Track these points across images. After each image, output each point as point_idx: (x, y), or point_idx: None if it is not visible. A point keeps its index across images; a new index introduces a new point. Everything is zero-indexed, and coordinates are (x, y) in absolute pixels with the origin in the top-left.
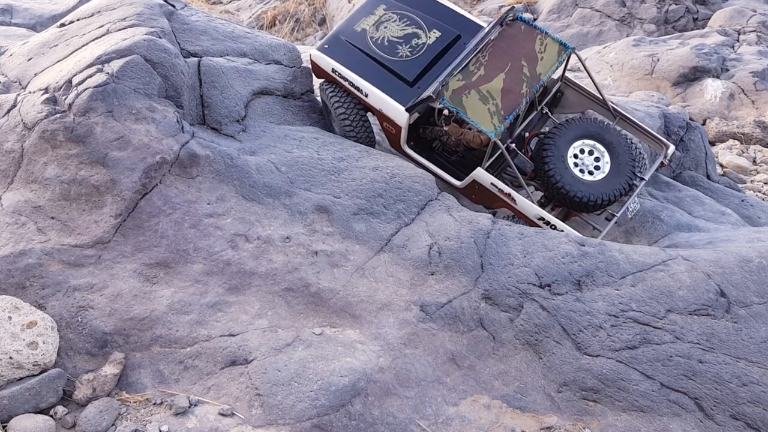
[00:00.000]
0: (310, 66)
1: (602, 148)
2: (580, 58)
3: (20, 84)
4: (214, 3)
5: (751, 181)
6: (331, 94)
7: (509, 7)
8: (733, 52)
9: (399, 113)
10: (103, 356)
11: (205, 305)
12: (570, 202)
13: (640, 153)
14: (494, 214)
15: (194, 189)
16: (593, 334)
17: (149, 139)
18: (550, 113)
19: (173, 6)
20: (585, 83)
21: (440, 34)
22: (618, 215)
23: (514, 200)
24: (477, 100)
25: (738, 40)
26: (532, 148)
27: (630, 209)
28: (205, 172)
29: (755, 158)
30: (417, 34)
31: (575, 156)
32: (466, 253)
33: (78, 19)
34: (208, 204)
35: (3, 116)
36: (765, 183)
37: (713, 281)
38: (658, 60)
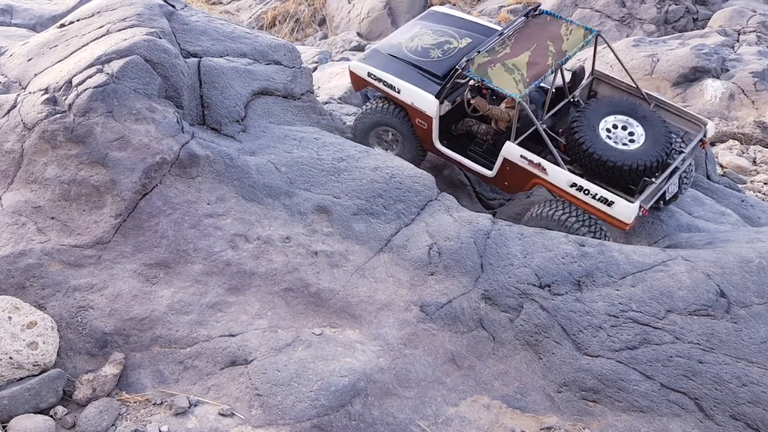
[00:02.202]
0: (350, 81)
1: (635, 122)
2: (606, 41)
3: (20, 84)
4: (213, 3)
5: (751, 182)
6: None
7: (536, 4)
8: (733, 52)
9: (429, 102)
10: (103, 356)
11: (205, 305)
12: (605, 169)
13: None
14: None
15: (194, 189)
16: (593, 335)
17: (149, 140)
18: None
19: (173, 6)
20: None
21: (471, 40)
22: (657, 181)
23: (545, 170)
24: (503, 71)
25: (738, 41)
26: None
27: (669, 191)
28: (205, 172)
29: (755, 158)
30: (449, 41)
31: (608, 131)
32: (466, 254)
33: (78, 20)
34: (208, 204)
35: (3, 116)
36: (765, 183)
37: (713, 281)
38: (658, 60)
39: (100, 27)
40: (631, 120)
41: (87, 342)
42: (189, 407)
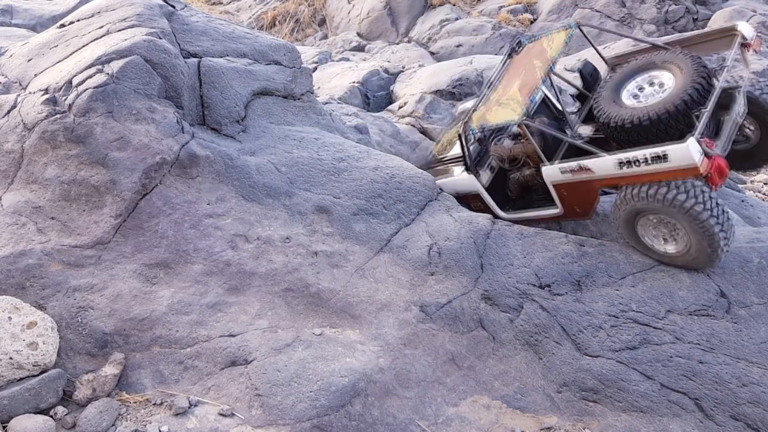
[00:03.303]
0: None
1: (658, 72)
2: (581, 30)
3: (20, 84)
4: (213, 3)
5: (751, 181)
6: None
7: (517, 41)
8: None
9: (466, 181)
10: (103, 356)
11: (205, 305)
12: (645, 132)
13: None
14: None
15: (194, 189)
16: (593, 335)
17: (149, 140)
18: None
19: (173, 6)
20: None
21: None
22: (707, 108)
23: (589, 168)
24: (499, 109)
25: None
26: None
27: (737, 112)
28: (204, 172)
29: None
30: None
31: (635, 96)
32: (465, 254)
33: (78, 20)
34: (208, 204)
35: (3, 117)
36: (765, 183)
37: (713, 281)
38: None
39: (100, 27)
40: (654, 73)
41: (87, 342)
42: (189, 407)
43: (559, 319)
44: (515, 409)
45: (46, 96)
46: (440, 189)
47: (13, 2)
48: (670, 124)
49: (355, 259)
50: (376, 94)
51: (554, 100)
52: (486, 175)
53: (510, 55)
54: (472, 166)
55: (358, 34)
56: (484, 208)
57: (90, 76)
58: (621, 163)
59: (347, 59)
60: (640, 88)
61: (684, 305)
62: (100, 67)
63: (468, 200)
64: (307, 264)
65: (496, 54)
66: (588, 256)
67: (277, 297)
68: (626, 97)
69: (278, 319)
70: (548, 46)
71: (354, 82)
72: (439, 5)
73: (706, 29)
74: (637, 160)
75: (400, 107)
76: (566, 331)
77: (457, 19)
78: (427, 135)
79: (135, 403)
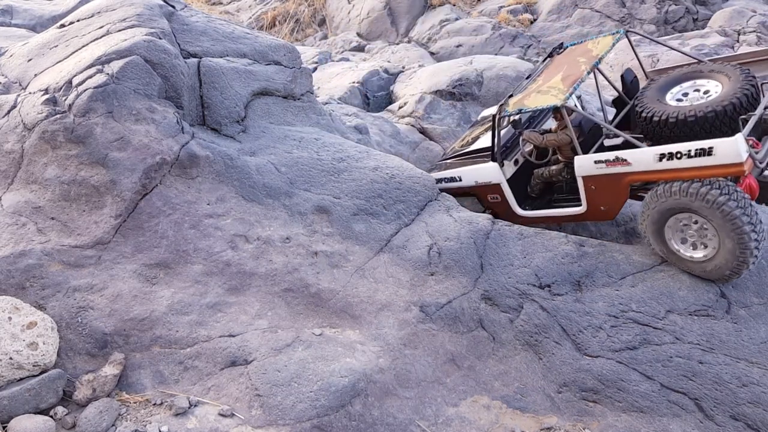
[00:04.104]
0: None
1: (705, 80)
2: (630, 41)
3: (20, 85)
4: (213, 4)
5: None
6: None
7: (558, 44)
8: (733, 52)
9: (490, 170)
10: (103, 357)
11: (205, 306)
12: (689, 127)
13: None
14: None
15: (194, 190)
16: (593, 335)
17: (149, 140)
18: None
19: (173, 7)
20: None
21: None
22: (757, 111)
23: (626, 160)
24: (538, 96)
25: (738, 41)
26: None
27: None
28: (204, 172)
29: None
30: (483, 129)
31: (679, 100)
32: (465, 254)
33: (78, 20)
34: (208, 204)
35: (3, 117)
36: None
37: (713, 282)
38: (658, 60)
39: (100, 27)
40: (699, 81)
41: (87, 342)
42: (189, 407)
43: (559, 319)
44: (515, 409)
45: (46, 96)
46: (459, 178)
47: (13, 2)
48: (715, 124)
49: (355, 259)
50: (376, 95)
51: (585, 109)
52: (509, 168)
53: (551, 55)
54: (499, 154)
55: (358, 35)
56: (501, 203)
57: (90, 76)
58: (662, 156)
59: (347, 59)
60: (685, 94)
61: (684, 305)
62: (100, 67)
63: (485, 193)
64: (307, 264)
65: (496, 54)
66: (588, 256)
67: (277, 297)
68: (670, 99)
69: (278, 319)
70: (593, 47)
71: (354, 82)
72: (439, 5)
73: (755, 48)
74: (680, 153)
75: (400, 107)
76: (566, 332)
77: (457, 19)
78: (427, 135)
79: (135, 403)
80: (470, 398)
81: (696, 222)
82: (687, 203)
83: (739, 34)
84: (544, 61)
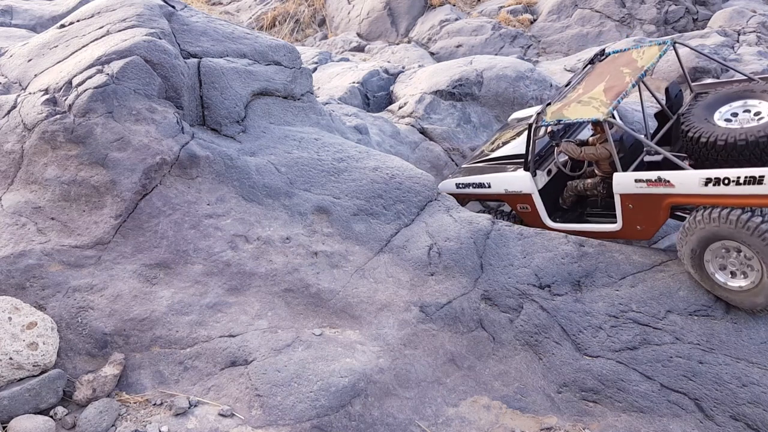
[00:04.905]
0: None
1: (756, 101)
2: (677, 53)
3: (20, 85)
4: (213, 4)
5: None
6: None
7: (601, 50)
8: (733, 52)
9: (521, 179)
10: (103, 357)
11: (205, 306)
12: (737, 151)
13: None
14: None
15: (194, 190)
16: (593, 335)
17: (149, 140)
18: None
19: (173, 7)
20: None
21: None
22: None
23: (669, 182)
24: (579, 107)
25: (738, 41)
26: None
27: None
28: (204, 173)
29: None
30: (515, 133)
31: (727, 120)
32: (465, 254)
33: (78, 20)
34: (208, 205)
35: (3, 117)
36: None
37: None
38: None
39: (100, 27)
40: (751, 101)
41: (87, 342)
42: (189, 408)
43: (559, 319)
44: (515, 409)
45: (46, 96)
46: (488, 184)
47: (13, 2)
48: (765, 149)
49: (355, 259)
50: (376, 95)
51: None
52: (542, 178)
53: (592, 62)
54: (532, 163)
55: (358, 35)
56: (531, 213)
57: (90, 77)
58: (708, 181)
59: (347, 59)
60: (734, 114)
61: (684, 305)
62: (100, 67)
63: (514, 202)
64: (307, 264)
65: (496, 54)
66: (588, 256)
67: (277, 297)
68: (718, 119)
69: (278, 319)
70: (638, 57)
71: (354, 83)
72: (439, 5)
73: None
74: (728, 179)
75: (400, 107)
76: (566, 332)
77: (457, 19)
78: (426, 135)
79: (135, 403)
80: (470, 398)
81: (740, 251)
82: (731, 232)
83: (739, 35)
84: (584, 68)
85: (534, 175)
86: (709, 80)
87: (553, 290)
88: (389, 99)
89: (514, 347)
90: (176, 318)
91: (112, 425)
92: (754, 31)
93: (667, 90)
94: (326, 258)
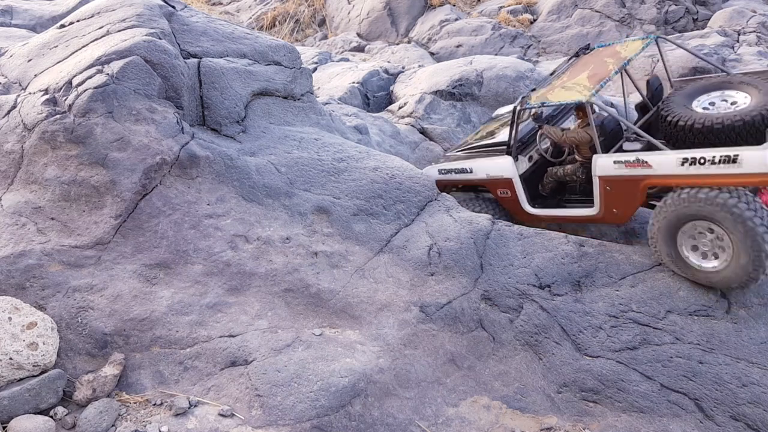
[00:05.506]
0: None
1: (733, 91)
2: (659, 48)
3: (20, 85)
4: (213, 4)
5: None
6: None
7: (585, 45)
8: (733, 52)
9: (504, 164)
10: (103, 357)
11: (205, 306)
12: (714, 134)
13: None
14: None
15: (194, 190)
16: (593, 335)
17: (149, 140)
18: None
19: (173, 7)
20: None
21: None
22: None
23: (647, 162)
24: (562, 91)
25: (738, 41)
26: None
27: None
28: (204, 173)
29: None
30: (499, 125)
31: (705, 108)
32: (465, 254)
33: (78, 21)
34: (208, 205)
35: (3, 117)
36: None
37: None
38: (658, 61)
39: (100, 28)
40: (728, 92)
41: (87, 342)
42: (189, 408)
43: (559, 319)
44: (515, 409)
45: (46, 96)
46: (470, 170)
47: (13, 2)
48: (741, 134)
49: (355, 259)
50: (376, 95)
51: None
52: (523, 164)
53: (577, 55)
54: (514, 148)
55: (358, 35)
56: (510, 198)
57: (90, 77)
58: (685, 161)
59: (347, 59)
60: (712, 103)
61: (684, 305)
62: (100, 67)
63: (495, 187)
64: (307, 264)
65: (496, 54)
66: (588, 256)
67: (277, 297)
68: (697, 107)
69: (278, 319)
70: (622, 50)
71: (354, 83)
72: (439, 5)
73: None
74: (704, 159)
75: (400, 107)
76: (566, 332)
77: (457, 19)
78: (426, 135)
79: (135, 403)
80: (470, 398)
81: (712, 231)
82: (706, 211)
83: (739, 34)
84: (569, 60)
85: (516, 160)
86: (690, 77)
87: (553, 290)
88: (389, 99)
89: (514, 347)
90: (176, 318)
91: (112, 425)
92: (754, 31)
93: (648, 83)
94: (326, 258)
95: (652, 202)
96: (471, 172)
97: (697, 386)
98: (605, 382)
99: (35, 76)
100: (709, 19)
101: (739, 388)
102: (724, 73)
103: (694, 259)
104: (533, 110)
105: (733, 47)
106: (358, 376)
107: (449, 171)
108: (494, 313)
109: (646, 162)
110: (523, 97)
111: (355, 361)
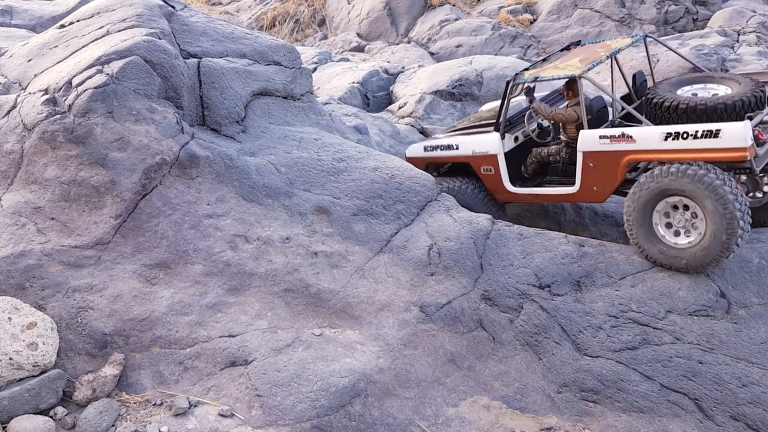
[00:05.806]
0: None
1: (714, 85)
2: (646, 46)
3: (20, 85)
4: (213, 4)
5: None
6: None
7: (577, 41)
8: (733, 52)
9: (489, 140)
10: (102, 357)
11: (205, 306)
12: (696, 114)
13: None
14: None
15: (194, 190)
16: (593, 335)
17: (149, 140)
18: None
19: (173, 7)
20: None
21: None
22: (765, 111)
23: (631, 137)
24: (554, 70)
25: (738, 41)
26: None
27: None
28: (204, 173)
29: None
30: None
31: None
32: (465, 254)
33: (78, 21)
34: (208, 205)
35: (3, 117)
36: None
37: (713, 282)
38: (658, 61)
39: (100, 28)
40: (710, 85)
41: (87, 343)
42: (189, 408)
43: (558, 319)
44: (515, 409)
45: (46, 96)
46: (456, 146)
47: (13, 3)
48: (722, 116)
49: (355, 259)
50: (375, 95)
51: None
52: (509, 142)
53: (568, 48)
54: (503, 123)
55: (358, 35)
56: (493, 176)
57: (90, 77)
58: (668, 135)
59: (347, 59)
60: (695, 93)
61: (684, 305)
62: (100, 67)
63: (479, 164)
64: (306, 264)
65: (496, 54)
66: (588, 256)
67: (276, 297)
68: (681, 94)
69: (278, 319)
70: (612, 44)
71: (354, 83)
72: (439, 5)
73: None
74: (686, 133)
75: (399, 107)
76: (566, 332)
77: (456, 19)
78: (426, 135)
79: (135, 403)
80: (470, 398)
81: (687, 208)
82: (681, 185)
83: (739, 34)
84: (561, 51)
85: (503, 137)
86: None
87: (553, 290)
88: (389, 99)
89: (514, 347)
90: (176, 318)
91: (112, 425)
92: (754, 31)
93: (634, 77)
94: (326, 258)
95: (626, 191)
96: (457, 148)
97: (697, 386)
98: (605, 382)
99: (35, 76)
100: (709, 19)
101: (739, 388)
102: (708, 72)
103: (669, 237)
104: (525, 84)
105: (732, 47)
106: (358, 376)
107: (435, 147)
108: (494, 313)
109: (631, 136)
110: (516, 74)
111: (355, 361)
